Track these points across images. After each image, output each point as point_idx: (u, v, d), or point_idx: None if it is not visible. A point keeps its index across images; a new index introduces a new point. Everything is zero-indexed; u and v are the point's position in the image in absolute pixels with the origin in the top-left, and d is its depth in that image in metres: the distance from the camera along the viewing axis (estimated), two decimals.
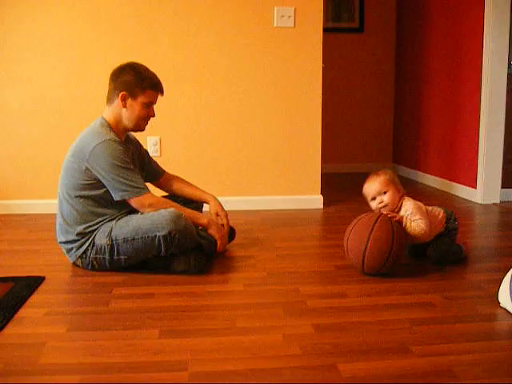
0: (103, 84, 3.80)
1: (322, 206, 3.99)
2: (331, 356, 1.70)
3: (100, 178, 2.45)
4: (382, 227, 2.36)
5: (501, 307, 2.06)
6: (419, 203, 2.60)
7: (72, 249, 2.53)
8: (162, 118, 3.81)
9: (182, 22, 3.76)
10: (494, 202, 4.13)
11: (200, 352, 1.73)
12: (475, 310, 2.07)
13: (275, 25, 3.81)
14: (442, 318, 2.00)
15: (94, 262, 2.50)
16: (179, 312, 2.06)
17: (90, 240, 2.49)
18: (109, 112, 2.58)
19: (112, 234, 2.45)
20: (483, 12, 3.99)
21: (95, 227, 2.50)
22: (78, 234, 2.50)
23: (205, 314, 2.05)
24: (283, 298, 2.20)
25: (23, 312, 2.04)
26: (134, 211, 2.54)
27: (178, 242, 2.41)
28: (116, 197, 2.47)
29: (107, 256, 2.47)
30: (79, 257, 2.52)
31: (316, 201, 4.00)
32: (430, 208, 2.66)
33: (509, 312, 2.01)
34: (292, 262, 2.71)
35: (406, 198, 2.59)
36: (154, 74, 2.60)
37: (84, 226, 2.50)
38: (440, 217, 2.65)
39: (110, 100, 2.58)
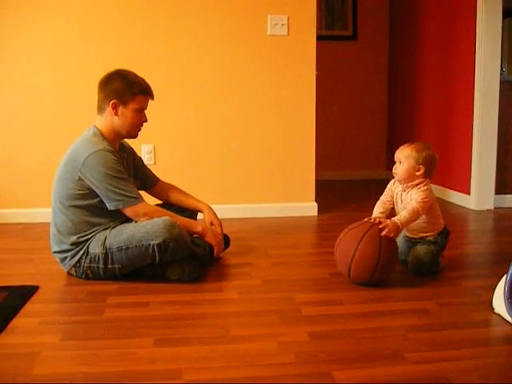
0: (94, 88, 3.81)
1: (316, 214, 3.99)
2: (326, 363, 1.69)
3: (93, 187, 2.44)
4: (368, 242, 2.32)
5: (495, 313, 2.06)
6: (430, 198, 2.52)
7: (66, 258, 2.52)
8: (156, 125, 3.81)
9: (175, 30, 3.77)
10: (488, 208, 4.14)
11: (194, 360, 1.72)
12: (469, 317, 2.07)
13: (268, 33, 3.82)
14: (437, 324, 2.00)
15: (88, 271, 2.49)
16: (174, 320, 2.05)
17: (83, 249, 2.48)
18: (101, 121, 2.56)
19: (106, 242, 2.44)
20: (475, 19, 4.01)
21: (89, 236, 2.49)
22: (71, 244, 2.49)
23: (199, 323, 2.04)
24: (278, 306, 2.19)
25: (17, 321, 2.03)
26: (128, 220, 2.53)
27: (171, 250, 2.40)
28: (110, 206, 2.46)
29: (101, 265, 2.46)
30: (73, 266, 2.51)
31: (310, 208, 4.00)
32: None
33: (503, 318, 2.01)
34: (286, 269, 2.71)
35: (426, 185, 2.52)
36: (142, 79, 2.57)
37: (78, 235, 2.49)
38: (441, 219, 2.63)
39: (100, 109, 2.56)
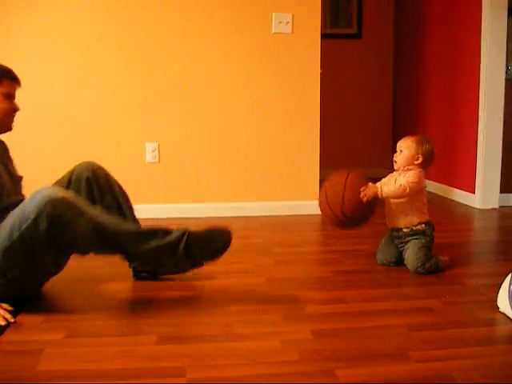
0: (102, 89, 3.81)
1: (320, 212, 3.97)
2: (329, 362, 1.69)
3: None
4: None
5: (500, 312, 2.05)
6: (421, 181, 2.58)
7: None
8: (161, 123, 3.82)
9: (180, 28, 3.76)
10: (493, 207, 4.13)
11: (198, 358, 1.72)
12: (474, 315, 2.07)
13: (273, 31, 3.81)
14: (441, 323, 2.00)
15: None
16: (177, 318, 2.05)
17: None
18: None
19: None
20: (480, 18, 3.99)
21: None
22: None
23: (202, 320, 2.04)
24: (281, 304, 2.19)
25: (21, 319, 2.03)
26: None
27: (54, 229, 1.93)
28: None
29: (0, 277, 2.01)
30: None
31: (314, 206, 3.96)
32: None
33: (508, 317, 2.00)
34: (290, 267, 2.70)
35: (419, 170, 2.59)
36: (2, 64, 2.28)
37: None
38: (426, 210, 2.65)
39: None
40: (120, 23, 3.72)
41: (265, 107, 3.90)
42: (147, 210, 3.81)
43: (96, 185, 2.41)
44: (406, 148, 2.63)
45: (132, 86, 3.77)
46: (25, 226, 1.93)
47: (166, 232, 2.19)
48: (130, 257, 2.26)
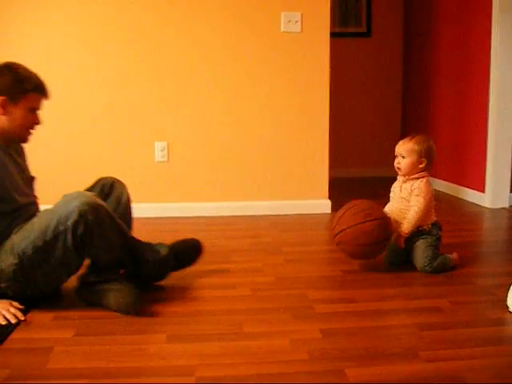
0: (112, 89, 3.82)
1: (329, 211, 3.97)
2: (338, 361, 1.69)
3: None
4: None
5: (509, 312, 2.04)
6: (430, 193, 2.58)
7: None
8: (170, 122, 3.83)
9: (189, 27, 3.77)
10: (503, 206, 4.10)
11: (207, 357, 1.72)
12: (483, 315, 2.06)
13: (282, 30, 3.81)
14: (450, 322, 1.99)
15: (9, 291, 2.07)
16: (186, 317, 2.06)
17: None
18: None
19: (15, 249, 2.02)
20: (491, 15, 3.97)
21: None
22: None
23: (212, 319, 2.04)
24: (291, 303, 2.19)
25: (31, 316, 2.04)
26: (31, 217, 2.15)
27: (92, 232, 2.00)
28: None
29: (20, 277, 2.04)
30: None
31: (324, 205, 3.99)
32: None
33: None
34: (299, 266, 2.70)
35: (427, 181, 2.60)
36: (35, 75, 2.22)
37: None
38: (434, 212, 2.65)
39: None
40: (129, 22, 3.73)
41: (274, 106, 3.89)
42: (156, 209, 3.83)
43: (108, 189, 2.43)
44: (407, 154, 2.59)
45: (141, 85, 3.78)
46: (62, 227, 1.98)
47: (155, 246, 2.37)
48: (139, 267, 2.29)
